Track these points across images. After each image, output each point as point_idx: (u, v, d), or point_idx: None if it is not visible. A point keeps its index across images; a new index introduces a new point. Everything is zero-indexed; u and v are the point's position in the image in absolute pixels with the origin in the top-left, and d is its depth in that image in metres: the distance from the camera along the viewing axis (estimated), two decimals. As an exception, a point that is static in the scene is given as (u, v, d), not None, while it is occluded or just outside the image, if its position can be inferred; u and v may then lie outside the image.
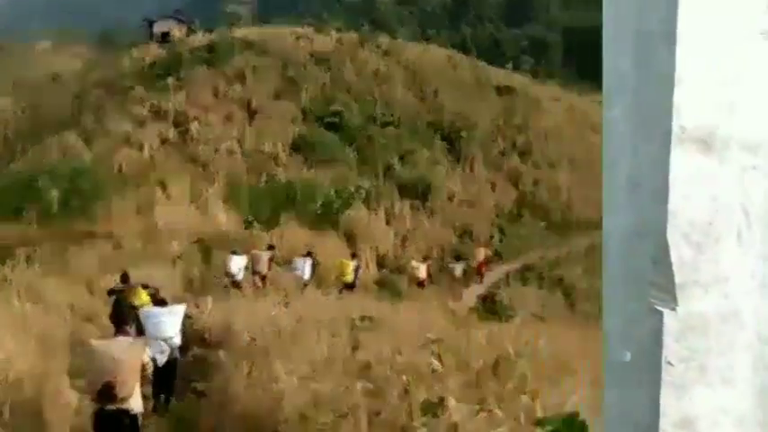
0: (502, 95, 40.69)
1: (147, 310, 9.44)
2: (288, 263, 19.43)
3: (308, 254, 18.82)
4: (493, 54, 56.59)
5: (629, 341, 1.44)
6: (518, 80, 45.63)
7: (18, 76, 43.85)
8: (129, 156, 27.68)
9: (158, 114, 31.26)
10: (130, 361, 5.99)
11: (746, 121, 1.40)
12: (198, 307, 12.69)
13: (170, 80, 33.40)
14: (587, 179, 34.85)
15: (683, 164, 1.35)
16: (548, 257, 28.20)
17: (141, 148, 28.51)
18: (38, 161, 26.96)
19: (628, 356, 1.44)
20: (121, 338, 6.34)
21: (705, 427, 1.37)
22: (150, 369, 6.56)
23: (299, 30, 42.04)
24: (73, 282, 16.58)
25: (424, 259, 23.77)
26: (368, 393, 5.97)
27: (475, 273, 24.47)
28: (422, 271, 21.73)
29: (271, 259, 18.45)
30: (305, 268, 18.11)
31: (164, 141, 29.54)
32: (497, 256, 27.85)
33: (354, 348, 7.54)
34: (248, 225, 24.54)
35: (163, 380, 8.79)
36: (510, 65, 51.31)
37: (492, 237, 29.92)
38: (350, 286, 18.07)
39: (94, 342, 6.38)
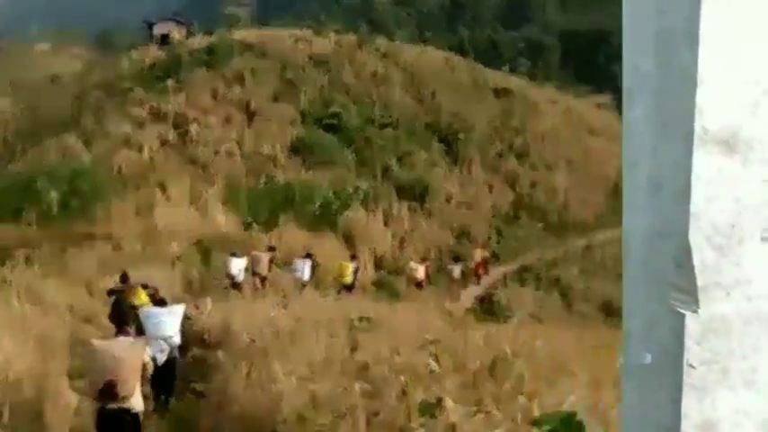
0: (499, 98, 40.78)
1: (147, 309, 9.50)
2: (287, 264, 19.44)
3: (308, 255, 18.82)
4: (490, 56, 56.74)
5: (650, 343, 1.44)
6: (515, 82, 45.74)
7: (17, 77, 43.89)
8: (129, 157, 27.73)
9: (158, 116, 31.31)
10: (131, 360, 6.07)
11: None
12: (197, 308, 12.70)
13: (169, 82, 33.47)
14: (584, 181, 34.98)
15: (705, 165, 1.35)
16: (545, 258, 28.28)
17: (141, 149, 28.57)
18: (37, 162, 26.97)
19: (648, 358, 1.43)
20: (122, 338, 6.44)
21: (727, 430, 1.37)
22: (151, 368, 6.63)
23: (298, 32, 42.15)
24: (72, 283, 16.59)
25: (423, 260, 23.75)
26: (366, 394, 6.00)
27: (472, 274, 24.47)
28: (420, 272, 21.70)
29: (271, 261, 18.46)
30: (305, 270, 18.11)
31: (163, 143, 29.59)
32: (495, 258, 27.86)
33: (353, 349, 7.57)
34: (247, 226, 24.57)
35: (162, 380, 8.79)
36: (507, 67, 51.50)
37: (489, 238, 29.95)
38: (348, 287, 18.09)
39: (96, 342, 6.49)
